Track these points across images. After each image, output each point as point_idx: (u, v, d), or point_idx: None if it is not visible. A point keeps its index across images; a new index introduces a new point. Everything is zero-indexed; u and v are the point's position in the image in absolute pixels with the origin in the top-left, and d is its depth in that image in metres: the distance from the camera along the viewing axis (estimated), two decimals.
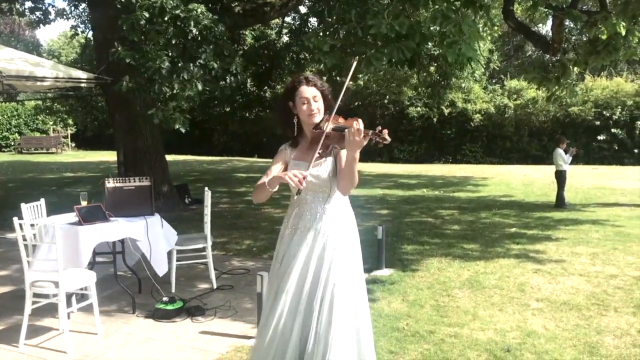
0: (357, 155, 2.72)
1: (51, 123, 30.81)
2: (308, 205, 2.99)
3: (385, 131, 2.66)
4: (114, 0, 7.60)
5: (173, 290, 5.68)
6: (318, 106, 2.95)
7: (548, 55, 7.69)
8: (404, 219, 9.74)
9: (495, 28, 13.44)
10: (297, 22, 15.38)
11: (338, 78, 7.73)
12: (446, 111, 24.64)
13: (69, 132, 31.62)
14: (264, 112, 18.81)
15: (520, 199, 12.33)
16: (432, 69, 15.69)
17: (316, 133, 2.92)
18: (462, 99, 24.82)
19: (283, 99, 3.04)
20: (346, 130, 2.71)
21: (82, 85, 8.57)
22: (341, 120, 2.91)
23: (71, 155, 28.98)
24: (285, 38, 16.92)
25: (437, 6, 5.19)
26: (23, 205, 5.25)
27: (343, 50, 6.29)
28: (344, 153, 2.86)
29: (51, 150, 29.80)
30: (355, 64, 3.03)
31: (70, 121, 29.87)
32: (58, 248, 4.29)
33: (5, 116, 30.13)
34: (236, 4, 11.81)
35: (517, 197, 12.62)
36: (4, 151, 30.08)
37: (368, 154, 25.59)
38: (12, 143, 30.40)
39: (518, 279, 5.91)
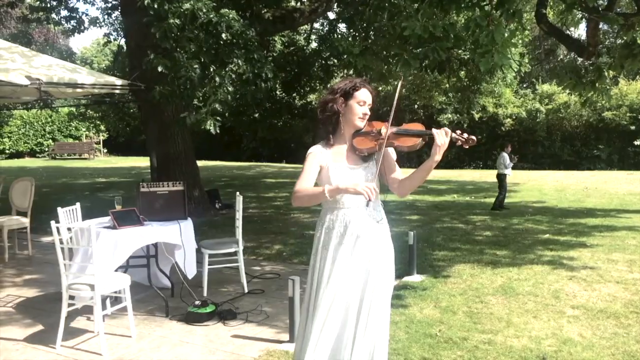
0: (440, 157, 2.79)
1: (84, 129, 31.40)
2: (353, 210, 2.97)
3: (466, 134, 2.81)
4: (146, 7, 7.71)
5: (205, 294, 5.72)
6: (368, 112, 2.99)
7: (580, 59, 7.59)
8: (434, 225, 9.66)
9: (527, 32, 13.29)
10: (326, 28, 15.42)
11: (371, 83, 7.70)
12: (477, 116, 24.42)
13: (101, 138, 32.18)
14: (293, 119, 18.84)
15: (553, 204, 12.14)
16: (462, 73, 15.56)
17: (365, 137, 2.98)
18: (493, 104, 24.59)
19: (339, 94, 2.99)
20: (436, 133, 2.79)
21: (117, 91, 8.70)
22: (384, 128, 2.95)
23: (103, 160, 29.49)
24: (314, 44, 16.97)
25: (469, 13, 5.15)
26: (59, 210, 5.34)
27: (373, 52, 6.28)
28: (388, 155, 2.98)
29: (84, 156, 30.37)
30: (401, 83, 3.08)
31: (102, 127, 30.45)
32: (94, 251, 4.36)
33: (40, 123, 30.82)
34: (266, 10, 11.88)
35: (550, 202, 12.43)
36: (38, 157, 30.76)
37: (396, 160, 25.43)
38: (46, 149, 31.06)
39: (552, 286, 5.81)
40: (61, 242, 4.47)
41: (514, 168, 12.44)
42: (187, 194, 5.56)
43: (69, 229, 5.05)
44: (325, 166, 2.99)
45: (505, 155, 11.31)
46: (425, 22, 5.08)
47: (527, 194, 14.10)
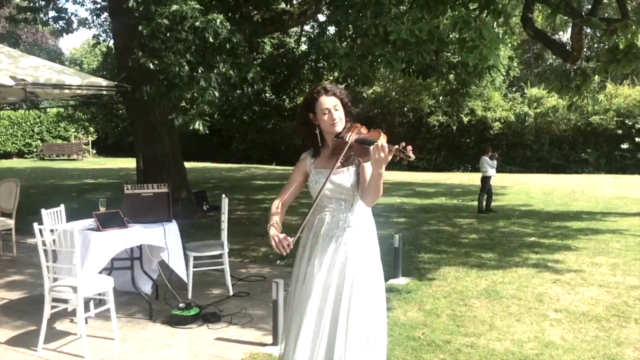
0: (383, 170, 2.70)
1: (73, 130, 31.23)
2: (330, 213, 2.99)
3: (410, 147, 2.64)
4: (134, 9, 7.69)
5: (190, 296, 5.70)
6: (339, 115, 2.96)
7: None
8: (421, 228, 9.69)
9: (515, 36, 13.35)
10: (316, 31, 15.43)
11: (356, 86, 7.73)
12: (465, 119, 24.51)
13: (90, 139, 32.01)
14: (283, 122, 18.85)
15: (540, 208, 12.20)
16: (451, 76, 15.63)
17: (338, 142, 2.93)
18: (481, 107, 24.71)
19: (303, 111, 3.04)
20: (371, 147, 2.68)
21: (103, 92, 8.67)
22: (364, 130, 2.91)
23: (92, 162, 29.33)
24: (304, 47, 16.97)
25: (456, 12, 5.19)
26: (43, 211, 5.32)
27: (360, 54, 6.30)
28: (367, 165, 2.87)
29: (72, 156, 30.21)
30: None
31: (91, 128, 30.27)
32: (76, 254, 4.34)
33: (28, 123, 30.62)
34: (255, 12, 11.87)
35: (537, 206, 12.49)
36: (26, 157, 30.55)
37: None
38: (35, 149, 30.86)
39: (536, 289, 5.85)
40: (44, 244, 4.46)
41: (499, 170, 12.54)
42: (171, 196, 5.54)
43: (52, 231, 5.03)
44: (309, 171, 3.06)
45: (486, 158, 11.45)
46: (411, 25, 5.11)
47: (514, 197, 14.17)
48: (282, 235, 2.81)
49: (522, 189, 16.12)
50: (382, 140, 2.69)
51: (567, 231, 9.20)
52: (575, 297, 5.61)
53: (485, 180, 11.42)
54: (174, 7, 7.32)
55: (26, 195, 13.68)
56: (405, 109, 25.98)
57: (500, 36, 5.33)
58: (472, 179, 19.53)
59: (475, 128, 24.71)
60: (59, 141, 31.85)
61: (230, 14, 10.97)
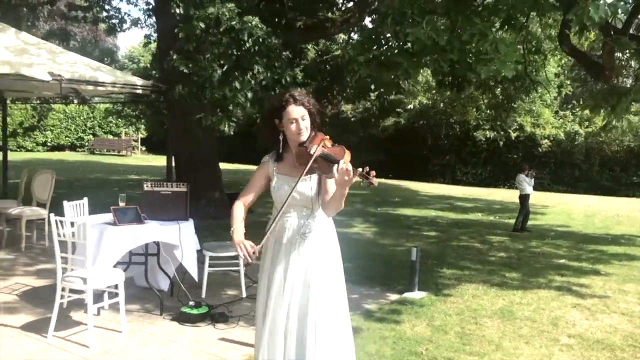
0: (346, 191, 2.76)
1: (122, 127, 32.12)
2: (292, 220, 3.02)
3: (373, 173, 2.70)
4: (175, 12, 7.89)
5: (203, 295, 5.78)
6: (306, 124, 2.97)
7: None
8: (450, 242, 9.55)
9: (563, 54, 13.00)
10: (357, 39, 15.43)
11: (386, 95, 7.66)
12: (513, 135, 24.02)
13: (140, 136, 32.83)
14: (323, 127, 18.91)
15: (578, 229, 11.85)
16: (497, 90, 15.38)
17: (302, 151, 2.93)
18: (530, 123, 24.16)
19: (270, 116, 3.06)
20: (334, 167, 2.72)
21: (138, 91, 8.90)
22: (328, 143, 2.91)
23: (140, 158, 30.10)
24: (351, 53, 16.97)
25: (476, 23, 5.12)
26: (65, 203, 5.50)
27: (380, 62, 6.28)
28: (330, 181, 2.91)
29: (122, 152, 31.04)
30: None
31: (142, 126, 31.10)
32: (88, 246, 4.48)
33: (82, 118, 31.62)
34: (298, 19, 11.99)
35: (575, 227, 12.14)
36: (78, 151, 31.55)
37: (428, 174, 25.36)
38: (86, 144, 31.86)
39: (553, 313, 5.68)
40: (59, 235, 4.61)
41: (541, 188, 12.24)
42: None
43: (72, 223, 5.19)
44: (270, 177, 3.09)
45: (522, 176, 11.26)
46: (430, 30, 5.07)
47: (554, 217, 13.81)
48: (248, 243, 2.85)
49: (564, 209, 15.70)
50: (347, 157, 2.74)
51: (600, 255, 8.90)
52: (593, 323, 5.42)
53: (524, 198, 11.20)
54: (211, 9, 7.48)
55: (70, 187, 14.18)
56: (452, 120, 25.63)
57: (514, 47, 5.18)
58: (514, 196, 19.09)
59: (523, 144, 24.15)
60: (110, 137, 32.77)
61: (276, 19, 11.17)
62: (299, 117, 2.94)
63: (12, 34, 7.83)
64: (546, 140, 23.88)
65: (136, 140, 32.66)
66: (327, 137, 2.96)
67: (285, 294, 2.96)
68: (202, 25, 7.46)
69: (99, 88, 7.83)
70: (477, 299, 6.08)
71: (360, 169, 2.66)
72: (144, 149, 33.75)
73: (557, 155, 23.65)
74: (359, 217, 11.85)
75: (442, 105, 25.56)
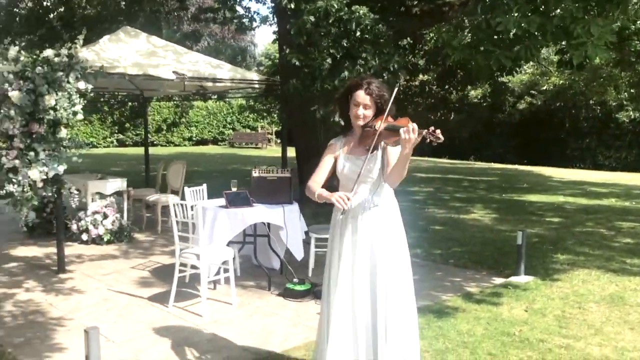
0: (410, 151, 2.89)
1: (258, 120, 33.73)
2: (358, 196, 3.19)
3: (439, 131, 2.79)
4: (288, 8, 8.32)
5: (310, 274, 6.15)
6: (366, 113, 3.15)
7: None
8: (573, 228, 9.14)
9: None
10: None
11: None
12: None
13: (274, 128, 34.26)
14: (449, 114, 18.61)
15: None
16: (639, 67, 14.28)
17: (367, 131, 3.12)
18: None
19: (345, 91, 3.29)
20: (401, 129, 2.87)
21: (255, 86, 9.46)
22: (390, 120, 3.08)
23: (274, 150, 31.42)
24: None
25: (567, 4, 4.90)
26: (186, 189, 6.13)
27: (472, 47, 6.21)
28: (391, 150, 3.06)
29: (258, 145, 32.66)
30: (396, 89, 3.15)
31: (276, 119, 32.38)
32: (198, 226, 4.99)
33: (222, 113, 33.69)
34: (416, 5, 12.00)
35: None
36: (219, 145, 33.68)
37: (567, 159, 23.98)
38: (227, 137, 33.92)
39: None
40: (176, 216, 5.17)
41: None
42: (292, 181, 6.02)
43: (192, 207, 5.78)
44: (337, 156, 3.28)
45: None
46: (520, 18, 4.94)
47: None
48: (340, 192, 3.02)
49: None
50: (411, 124, 2.85)
51: None
52: None
53: None
54: (320, 2, 7.80)
55: (208, 177, 15.30)
56: (592, 101, 24.05)
57: (609, 27, 4.83)
58: None
59: None
60: (248, 130, 34.58)
61: (397, 8, 11.30)
62: (362, 103, 3.14)
63: (143, 39, 8.71)
64: None
65: (271, 133, 34.12)
66: (391, 116, 3.13)
67: (355, 273, 3.17)
68: (312, 18, 7.80)
69: (218, 84, 8.47)
70: (587, 284, 5.87)
71: (425, 130, 2.81)
72: (278, 141, 35.15)
73: None
74: (479, 203, 11.66)
75: (582, 85, 24.05)
